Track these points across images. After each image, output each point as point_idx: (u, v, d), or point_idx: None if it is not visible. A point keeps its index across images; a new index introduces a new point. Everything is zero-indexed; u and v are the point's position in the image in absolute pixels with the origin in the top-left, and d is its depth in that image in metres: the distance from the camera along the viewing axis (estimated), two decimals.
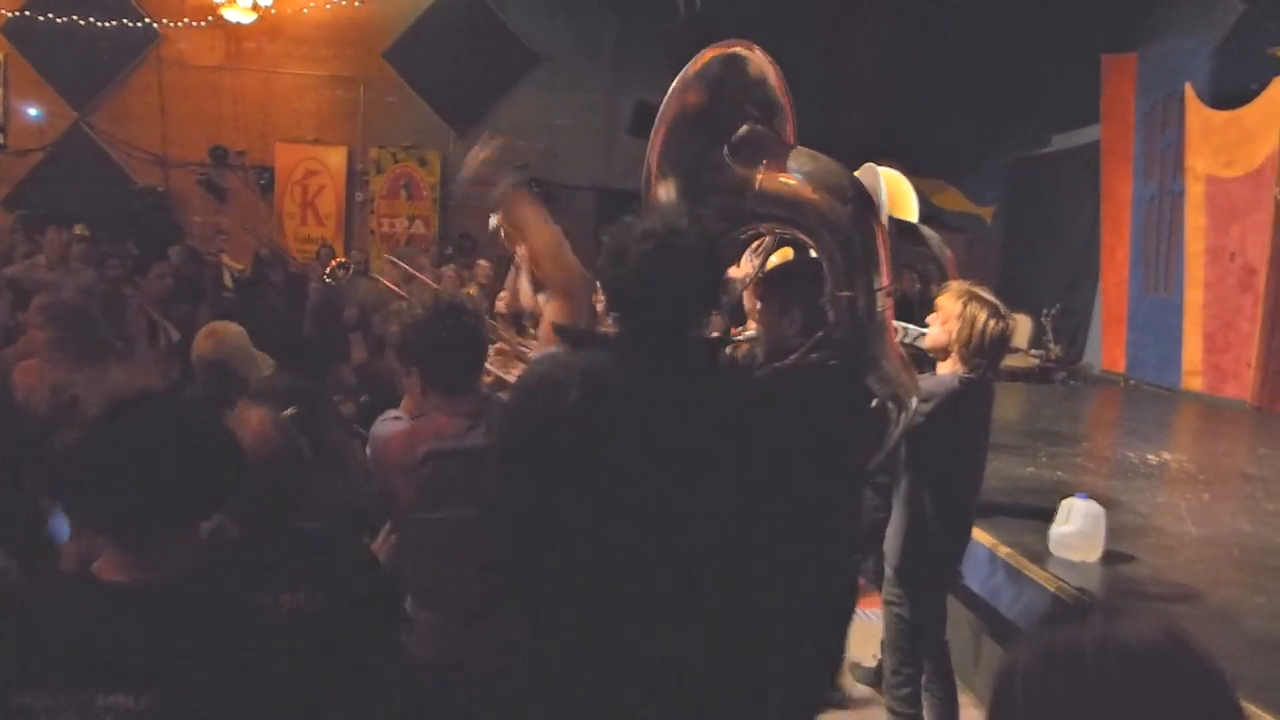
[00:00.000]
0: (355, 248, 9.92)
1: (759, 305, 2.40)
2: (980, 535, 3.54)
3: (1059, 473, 4.67)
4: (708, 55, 2.06)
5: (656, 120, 2.04)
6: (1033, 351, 9.39)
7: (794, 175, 2.08)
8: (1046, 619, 3.04)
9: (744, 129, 2.08)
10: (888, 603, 2.94)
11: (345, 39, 10.32)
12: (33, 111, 10.09)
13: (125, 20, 9.77)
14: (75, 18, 9.58)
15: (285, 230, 10.38)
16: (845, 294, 2.04)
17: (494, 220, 6.20)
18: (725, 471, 1.70)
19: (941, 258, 4.03)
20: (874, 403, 2.17)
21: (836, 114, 9.58)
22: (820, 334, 2.14)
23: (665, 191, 2.05)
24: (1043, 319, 9.45)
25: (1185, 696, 0.82)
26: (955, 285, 2.86)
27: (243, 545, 1.70)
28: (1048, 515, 3.42)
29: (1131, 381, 8.58)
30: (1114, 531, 3.36)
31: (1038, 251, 10.34)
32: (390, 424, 2.13)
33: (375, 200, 10.60)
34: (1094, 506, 3.23)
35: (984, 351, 2.75)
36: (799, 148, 2.14)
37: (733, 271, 2.33)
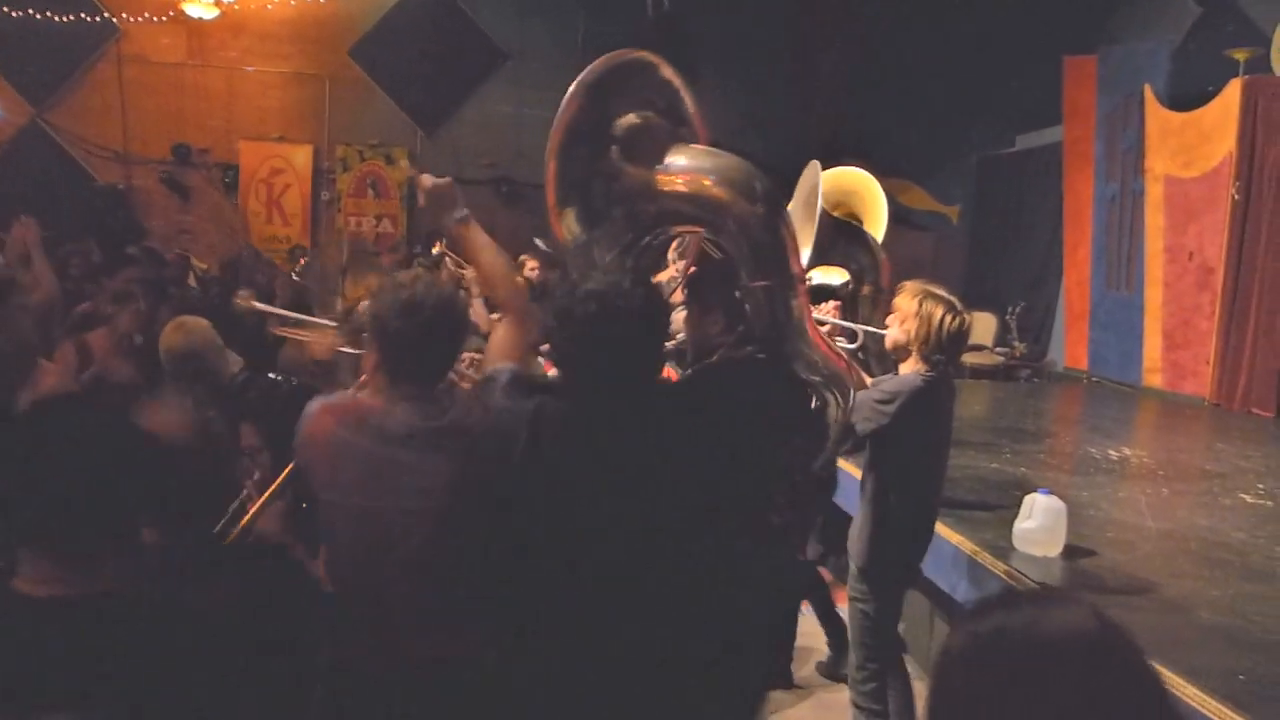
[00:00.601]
0: (318, 243, 9.82)
1: (686, 308, 2.42)
2: (944, 531, 3.58)
3: (1023, 469, 4.73)
4: (593, 67, 2.04)
5: (546, 155, 2.03)
6: (997, 349, 9.50)
7: (695, 173, 2.08)
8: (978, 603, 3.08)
9: (631, 120, 2.07)
10: (852, 599, 2.98)
11: (310, 35, 10.20)
12: None
13: (84, 15, 9.58)
14: (32, 11, 9.38)
15: (251, 229, 10.25)
16: (758, 284, 2.06)
17: (436, 248, 6.23)
18: (662, 483, 1.78)
19: (878, 258, 4.09)
20: (811, 394, 2.22)
21: (802, 115, 9.65)
22: (741, 329, 2.17)
23: (569, 218, 2.06)
24: (1007, 317, 9.57)
25: (1111, 680, 0.83)
26: (910, 285, 2.89)
27: (172, 554, 1.66)
28: (1011, 511, 3.47)
29: (1094, 378, 8.73)
30: (1075, 526, 3.41)
31: (1003, 250, 10.48)
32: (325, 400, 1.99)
33: (342, 199, 10.49)
34: (1055, 502, 3.28)
35: (943, 347, 2.78)
36: (696, 145, 2.12)
37: (659, 276, 2.36)
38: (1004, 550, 3.32)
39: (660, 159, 2.08)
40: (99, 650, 1.17)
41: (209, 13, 9.33)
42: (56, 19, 9.45)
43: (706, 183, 2.07)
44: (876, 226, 4.32)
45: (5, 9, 9.37)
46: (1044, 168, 9.74)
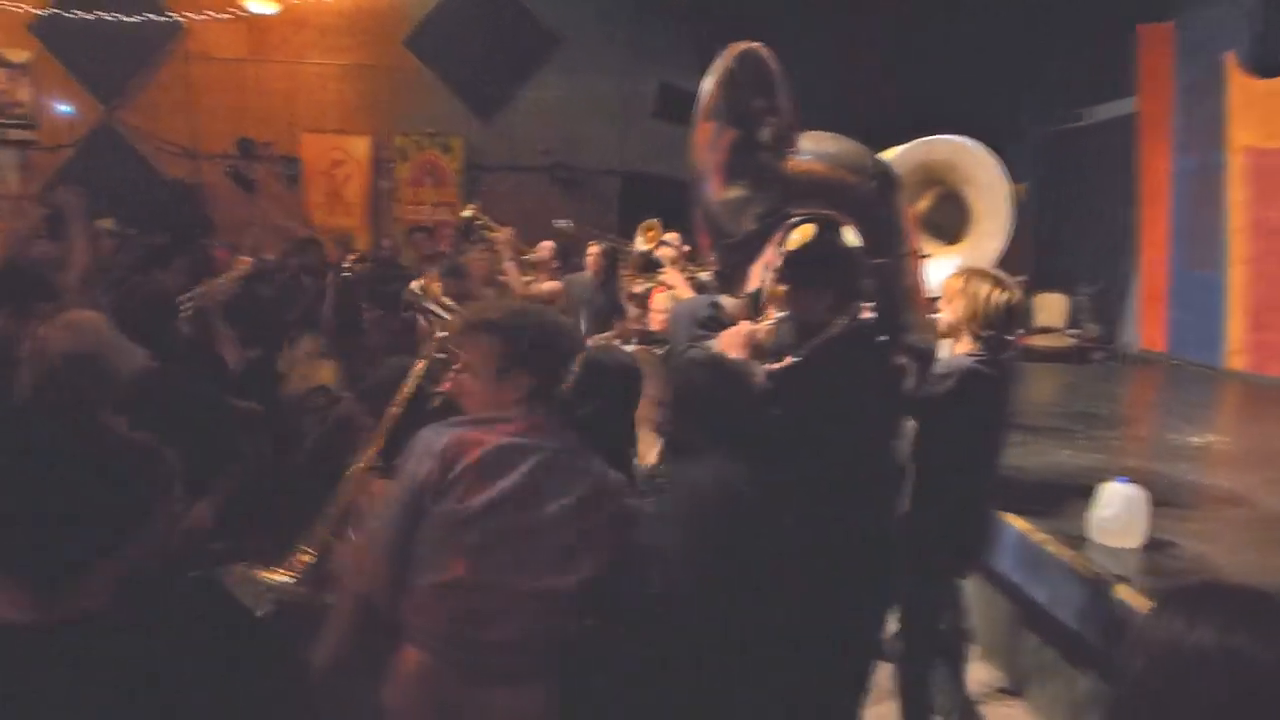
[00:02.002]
0: (385, 235, 9.89)
1: (788, 288, 2.46)
2: (1014, 521, 3.46)
3: (1098, 456, 4.56)
4: (726, 57, 2.24)
5: (692, 123, 2.23)
6: (1069, 331, 9.19)
7: (818, 159, 2.28)
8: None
9: (770, 122, 2.26)
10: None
11: (367, 27, 10.31)
12: (62, 108, 10.20)
13: (150, 15, 9.82)
14: (101, 14, 9.65)
15: (314, 220, 10.42)
16: (878, 261, 2.25)
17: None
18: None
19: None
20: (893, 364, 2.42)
21: (856, 93, 9.41)
22: (855, 304, 2.33)
23: (714, 188, 2.26)
24: (1079, 298, 9.25)
25: None
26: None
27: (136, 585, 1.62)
28: (1086, 500, 3.33)
29: (1173, 361, 8.37)
30: (1156, 516, 3.25)
31: (1073, 229, 10.11)
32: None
33: (400, 187, 10.61)
34: (1134, 490, 3.13)
35: (992, 323, 2.74)
36: (816, 132, 2.32)
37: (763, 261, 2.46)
38: (1079, 541, 3.19)
39: (790, 144, 2.28)
40: (74, 679, 1.13)
41: (270, 9, 9.48)
42: (125, 19, 9.71)
43: (832, 168, 2.30)
44: (993, 193, 4.35)
45: (76, 11, 9.66)
46: (1115, 141, 9.34)
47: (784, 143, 2.23)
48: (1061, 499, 3.71)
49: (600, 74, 10.42)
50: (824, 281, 2.38)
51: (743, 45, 2.25)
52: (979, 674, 3.74)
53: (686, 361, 2.38)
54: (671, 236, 5.86)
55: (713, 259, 2.33)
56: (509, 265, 5.67)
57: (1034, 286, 10.05)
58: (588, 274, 6.11)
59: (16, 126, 10.15)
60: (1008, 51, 9.14)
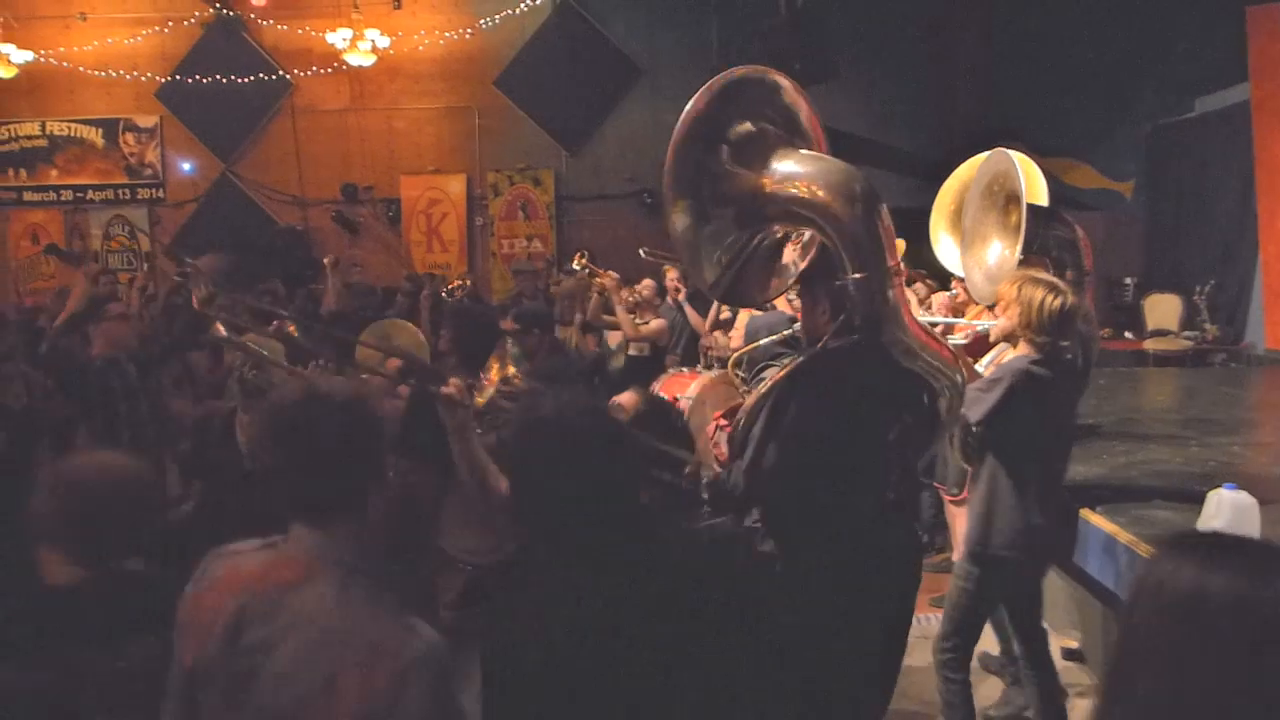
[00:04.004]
0: (469, 271, 10.24)
1: (798, 300, 2.62)
2: (1118, 531, 3.32)
3: (1212, 462, 4.31)
4: (717, 80, 2.22)
5: (668, 148, 2.20)
6: (1185, 334, 8.72)
7: (797, 177, 2.25)
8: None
9: (745, 128, 2.24)
10: (955, 574, 3.07)
11: (458, 71, 10.75)
12: (186, 166, 11.01)
13: (262, 74, 10.52)
14: (219, 76, 10.40)
15: (413, 258, 10.88)
16: (855, 277, 2.21)
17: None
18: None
19: (1076, 240, 3.89)
20: (921, 382, 2.33)
21: (948, 98, 9.21)
22: (841, 319, 2.34)
23: (680, 209, 2.21)
24: (1195, 298, 8.77)
25: None
26: (1013, 272, 2.97)
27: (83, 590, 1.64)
28: (1197, 508, 3.17)
29: None
30: (1273, 526, 3.07)
31: (1185, 225, 9.60)
32: None
33: (494, 223, 10.96)
34: (1244, 498, 2.95)
35: (1047, 329, 2.81)
36: (802, 150, 2.30)
37: (787, 263, 2.46)
38: None
39: (767, 164, 2.24)
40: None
41: (367, 60, 10.02)
42: (240, 80, 10.43)
43: (808, 185, 2.24)
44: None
45: (196, 76, 10.43)
46: (1229, 131, 8.85)
47: (757, 156, 2.22)
48: (1168, 507, 3.54)
49: (683, 99, 10.37)
50: (818, 295, 2.44)
51: (761, 70, 2.25)
52: (1086, 686, 3.60)
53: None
54: None
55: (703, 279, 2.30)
56: (620, 310, 5.87)
57: (1145, 288, 9.59)
58: (669, 301, 6.21)
59: (147, 186, 11.01)
60: (1112, 44, 8.81)
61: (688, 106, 2.19)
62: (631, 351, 5.99)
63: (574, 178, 10.88)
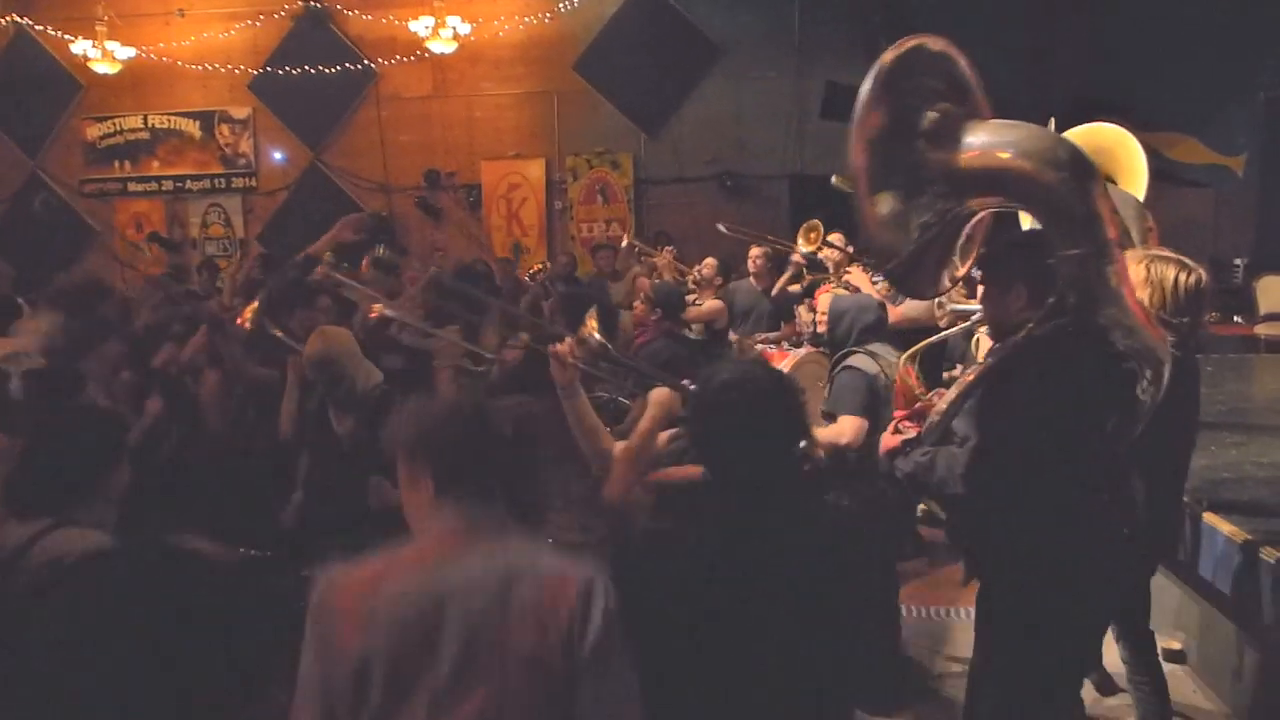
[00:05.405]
0: (562, 251, 10.30)
1: (981, 287, 2.44)
2: (1233, 531, 3.14)
3: None
4: (886, 59, 2.10)
5: (851, 132, 2.12)
6: None
7: (996, 149, 2.11)
8: None
9: (933, 115, 2.12)
10: None
11: (537, 56, 10.79)
12: (277, 155, 11.36)
13: (348, 64, 10.76)
14: (307, 67, 10.67)
15: (494, 242, 11.02)
16: (1071, 252, 2.06)
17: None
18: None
19: (1136, 226, 3.67)
20: (1128, 371, 2.15)
21: (1045, 70, 8.81)
22: (1051, 301, 2.16)
23: (879, 204, 2.13)
24: None
25: None
26: (1132, 253, 2.67)
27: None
28: None
29: None
30: None
31: None
32: None
33: (574, 206, 11.01)
34: None
35: (1184, 309, 2.60)
36: (994, 120, 2.15)
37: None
38: None
39: (959, 140, 2.12)
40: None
41: (449, 47, 10.14)
42: (327, 70, 10.69)
43: (1008, 156, 2.11)
44: (1136, 188, 3.89)
45: (287, 68, 10.73)
46: None
47: (948, 135, 2.11)
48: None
49: (762, 79, 10.37)
50: (1011, 278, 2.29)
51: (912, 41, 2.15)
52: (1191, 694, 3.43)
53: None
54: (835, 237, 5.76)
55: (883, 280, 2.22)
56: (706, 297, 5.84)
57: (1256, 269, 9.05)
58: (750, 280, 6.12)
59: (241, 175, 11.41)
60: (1224, 9, 8.29)
61: (859, 104, 2.09)
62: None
63: (653, 160, 10.83)
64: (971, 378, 2.34)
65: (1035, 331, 2.19)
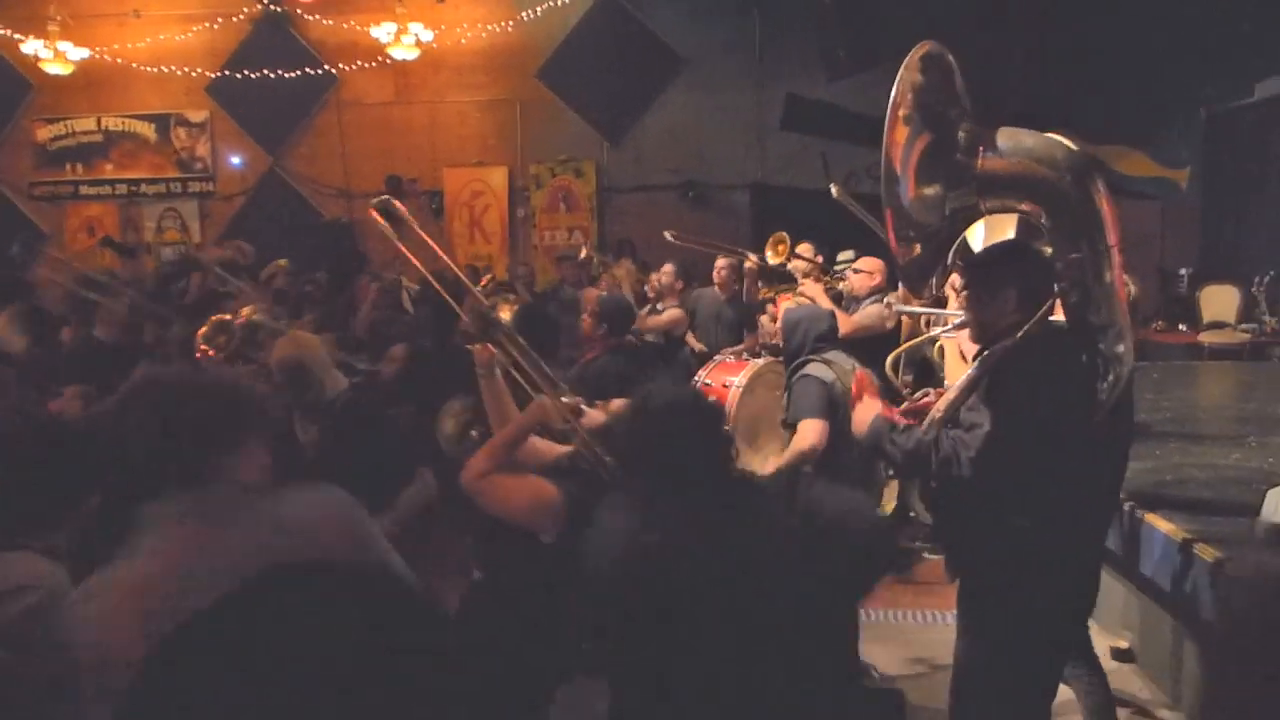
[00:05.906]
0: (520, 262, 10.30)
1: (965, 292, 2.54)
2: (1170, 529, 3.25)
3: (1270, 459, 4.20)
4: (913, 59, 2.23)
5: (885, 128, 2.22)
6: (1243, 326, 8.48)
7: (1009, 155, 2.25)
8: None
9: (965, 126, 2.26)
10: None
11: (500, 64, 10.79)
12: (235, 160, 11.21)
13: (308, 69, 10.66)
14: (266, 71, 10.56)
15: (456, 249, 10.97)
16: (1073, 256, 2.18)
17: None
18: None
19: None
20: (1100, 364, 2.27)
21: (994, 81, 9.00)
22: (1047, 305, 2.27)
23: (908, 188, 2.24)
24: (1254, 289, 8.52)
25: None
26: None
27: None
28: (1254, 507, 3.09)
29: None
30: None
31: (1244, 214, 9.33)
32: None
33: (536, 214, 11.01)
34: None
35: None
36: (1004, 128, 2.28)
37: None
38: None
39: (972, 147, 2.24)
40: None
41: (411, 54, 10.10)
42: (286, 75, 10.59)
43: (1026, 163, 2.25)
44: None
45: (245, 71, 10.61)
46: None
47: (978, 144, 2.25)
48: (1225, 506, 3.45)
49: (726, 90, 10.48)
50: (1002, 283, 2.36)
51: (926, 45, 2.27)
52: (1137, 688, 3.53)
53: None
54: (804, 248, 5.84)
55: (901, 253, 2.28)
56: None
57: (1200, 279, 9.34)
58: (715, 289, 6.17)
59: (198, 179, 11.24)
60: (1168, 26, 8.55)
61: (898, 86, 2.19)
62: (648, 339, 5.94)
63: (616, 169, 10.89)
64: (973, 374, 2.41)
65: (1032, 331, 2.29)
